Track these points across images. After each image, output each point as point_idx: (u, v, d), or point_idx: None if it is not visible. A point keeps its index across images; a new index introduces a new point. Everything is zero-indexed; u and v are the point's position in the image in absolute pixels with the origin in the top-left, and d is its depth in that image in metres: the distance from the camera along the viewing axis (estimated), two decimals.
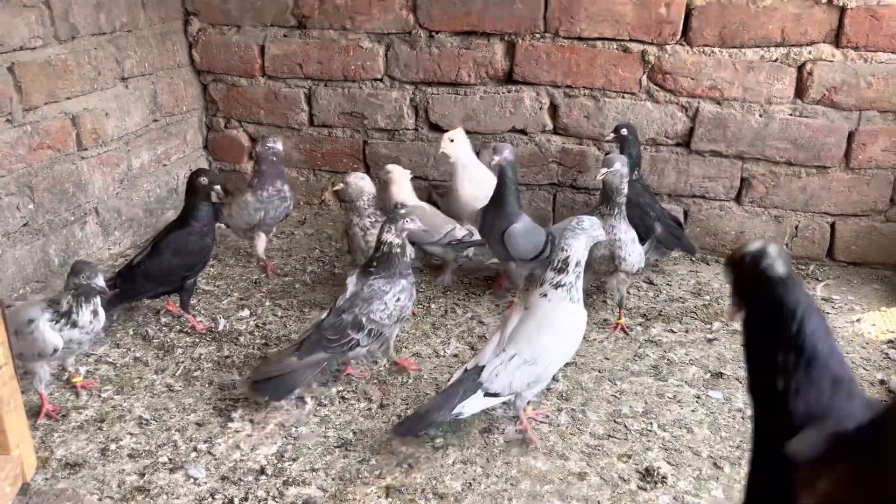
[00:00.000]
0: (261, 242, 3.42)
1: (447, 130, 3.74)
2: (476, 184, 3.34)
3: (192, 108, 4.02)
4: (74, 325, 2.37)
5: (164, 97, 3.79)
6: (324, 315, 2.54)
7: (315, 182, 4.15)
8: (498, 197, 2.96)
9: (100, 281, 2.38)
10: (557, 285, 2.27)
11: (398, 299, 2.53)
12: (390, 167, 3.27)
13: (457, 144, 3.34)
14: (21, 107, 2.94)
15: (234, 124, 4.13)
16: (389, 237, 2.53)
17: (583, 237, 2.28)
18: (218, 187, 2.90)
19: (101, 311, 2.45)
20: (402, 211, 2.58)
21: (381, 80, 3.81)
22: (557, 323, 2.27)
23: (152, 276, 2.84)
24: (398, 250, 2.55)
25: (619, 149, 3.18)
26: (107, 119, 3.40)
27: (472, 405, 2.18)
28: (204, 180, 2.87)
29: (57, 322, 2.35)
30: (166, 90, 3.80)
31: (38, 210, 3.07)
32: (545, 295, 2.29)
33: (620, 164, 2.79)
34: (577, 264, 2.27)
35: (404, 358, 2.75)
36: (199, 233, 2.88)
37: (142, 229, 3.72)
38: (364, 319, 2.49)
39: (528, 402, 2.37)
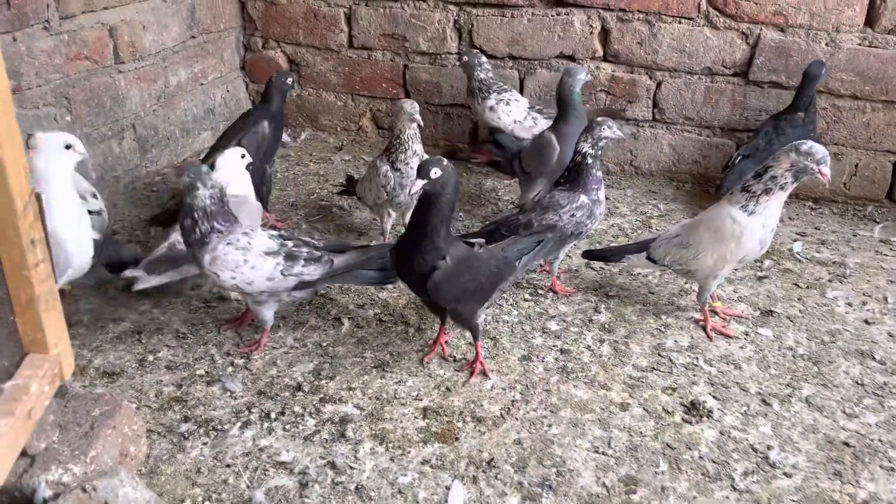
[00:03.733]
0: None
1: (492, 55, 3.60)
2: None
3: (229, 25, 3.91)
4: None
5: (201, 13, 3.68)
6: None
7: (353, 107, 4.04)
8: (566, 118, 2.89)
9: None
10: (744, 189, 2.27)
11: (573, 215, 2.51)
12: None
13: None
14: (58, 14, 2.87)
15: (272, 45, 4.01)
16: (585, 147, 2.48)
17: (791, 156, 2.17)
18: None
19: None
20: (600, 119, 2.51)
21: None
22: (717, 222, 2.32)
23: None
24: (590, 161, 2.49)
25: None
26: (144, 32, 3.31)
27: (636, 260, 2.54)
28: (290, 80, 3.08)
29: None
30: (204, 6, 3.69)
31: (76, 122, 3.02)
32: (732, 193, 2.32)
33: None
34: (772, 178, 2.21)
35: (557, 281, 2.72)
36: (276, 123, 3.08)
37: (178, 148, 3.67)
38: (536, 225, 2.51)
39: (714, 297, 2.54)
